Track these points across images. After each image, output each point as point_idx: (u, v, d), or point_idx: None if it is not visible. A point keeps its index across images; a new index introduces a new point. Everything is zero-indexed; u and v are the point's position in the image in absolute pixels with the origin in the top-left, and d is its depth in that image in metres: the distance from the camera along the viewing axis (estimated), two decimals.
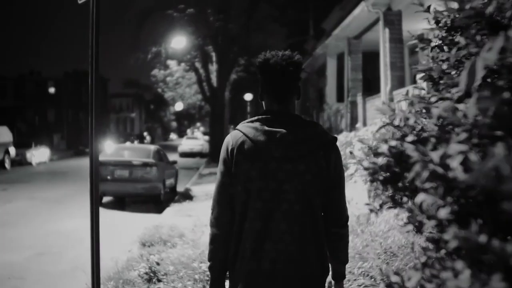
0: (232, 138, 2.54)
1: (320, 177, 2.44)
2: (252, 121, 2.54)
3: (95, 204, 3.90)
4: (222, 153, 2.56)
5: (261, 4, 33.97)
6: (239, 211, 2.49)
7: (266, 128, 2.45)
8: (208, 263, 2.58)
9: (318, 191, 2.45)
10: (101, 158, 15.56)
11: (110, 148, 17.26)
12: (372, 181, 1.49)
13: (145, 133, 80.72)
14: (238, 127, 2.57)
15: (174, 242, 8.70)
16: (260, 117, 2.52)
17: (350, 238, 6.37)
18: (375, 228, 6.81)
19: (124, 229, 11.39)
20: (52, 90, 63.83)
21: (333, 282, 2.66)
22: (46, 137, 52.57)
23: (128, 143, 22.89)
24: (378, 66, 17.65)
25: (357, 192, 9.24)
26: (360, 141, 1.81)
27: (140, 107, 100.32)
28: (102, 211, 14.23)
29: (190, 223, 10.34)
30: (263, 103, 2.64)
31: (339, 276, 2.63)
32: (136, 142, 52.96)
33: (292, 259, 2.40)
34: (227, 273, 2.59)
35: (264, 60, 2.53)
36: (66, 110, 64.89)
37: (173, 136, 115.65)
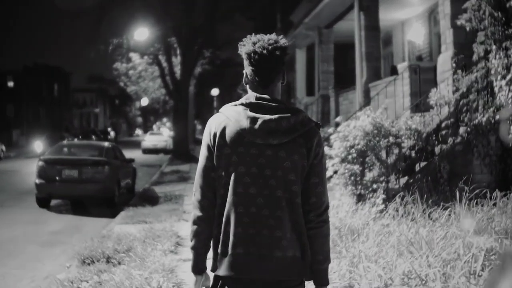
0: (214, 121, 2.53)
1: (299, 165, 2.43)
2: (235, 105, 2.51)
3: None
4: (205, 137, 2.54)
5: None
6: (221, 194, 2.48)
7: (249, 113, 2.43)
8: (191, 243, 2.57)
9: (297, 178, 2.43)
10: (48, 156, 14.10)
11: (39, 148, 15.75)
12: None
13: (109, 129, 77.98)
14: (221, 109, 2.55)
15: (120, 259, 7.37)
16: (244, 101, 2.49)
17: (332, 257, 5.14)
18: (362, 245, 5.53)
19: (69, 237, 10.08)
20: (11, 84, 61.60)
21: None
22: (5, 133, 50.27)
23: (62, 141, 19.30)
24: (349, 58, 16.58)
25: (335, 198, 7.93)
26: None
27: (104, 102, 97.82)
28: (48, 216, 12.89)
29: (142, 232, 8.95)
30: (247, 86, 2.60)
31: (322, 281, 2.52)
32: (75, 140, 40.95)
33: (278, 244, 2.39)
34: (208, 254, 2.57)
35: (250, 44, 2.50)
36: (26, 105, 62.55)
37: (138, 131, 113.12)
